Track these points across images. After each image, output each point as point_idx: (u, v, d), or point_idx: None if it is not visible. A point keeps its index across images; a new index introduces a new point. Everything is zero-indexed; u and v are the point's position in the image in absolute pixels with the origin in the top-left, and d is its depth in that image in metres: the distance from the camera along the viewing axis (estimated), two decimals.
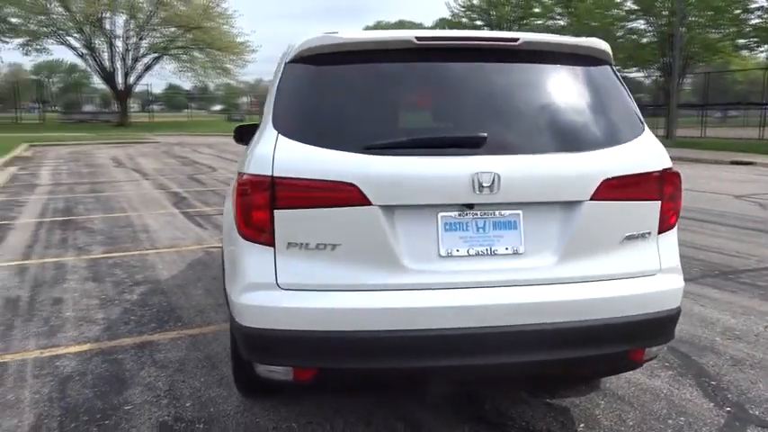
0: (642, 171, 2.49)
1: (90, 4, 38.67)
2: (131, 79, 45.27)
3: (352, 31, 2.60)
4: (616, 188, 2.43)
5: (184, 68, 45.83)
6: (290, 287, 2.29)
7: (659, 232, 2.54)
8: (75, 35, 42.20)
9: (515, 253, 2.37)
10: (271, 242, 2.30)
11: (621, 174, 2.44)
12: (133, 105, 59.73)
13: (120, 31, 42.88)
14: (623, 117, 2.62)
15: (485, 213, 2.35)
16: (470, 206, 2.33)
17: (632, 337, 2.47)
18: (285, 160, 2.29)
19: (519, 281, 2.35)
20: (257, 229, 2.31)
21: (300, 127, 2.38)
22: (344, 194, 2.25)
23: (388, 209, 2.29)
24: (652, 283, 2.50)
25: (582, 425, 2.91)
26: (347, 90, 2.50)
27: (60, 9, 40.18)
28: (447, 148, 2.34)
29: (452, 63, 2.55)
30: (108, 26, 42.26)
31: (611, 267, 2.45)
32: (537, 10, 36.06)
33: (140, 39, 43.16)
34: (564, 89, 2.62)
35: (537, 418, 2.96)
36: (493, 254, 2.35)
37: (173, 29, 42.77)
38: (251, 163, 2.35)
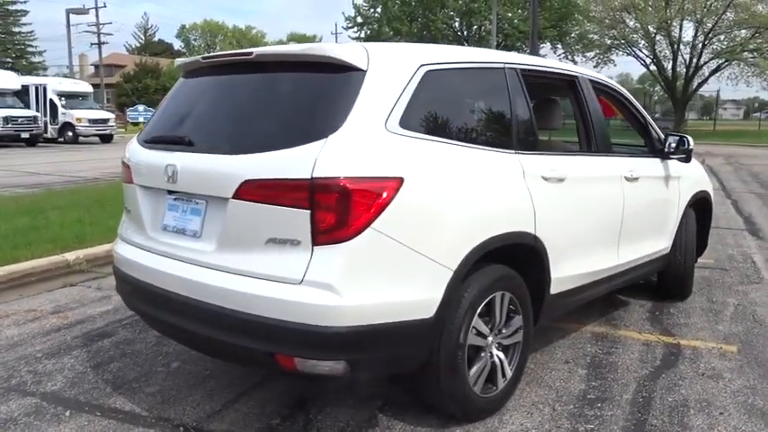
0: (282, 177, 2.54)
1: (657, 11, 39.39)
2: (693, 86, 44.03)
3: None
4: (255, 191, 2.61)
5: (747, 73, 41.59)
6: (121, 237, 3.52)
7: (317, 243, 2.50)
8: (643, 45, 43.72)
9: (195, 236, 2.94)
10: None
11: (260, 177, 2.60)
12: (689, 112, 56.65)
13: (687, 38, 42.23)
14: (303, 123, 2.68)
15: (188, 200, 3.00)
16: (170, 192, 3.04)
17: (265, 338, 2.59)
18: (127, 150, 3.51)
19: (192, 259, 2.90)
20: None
21: (146, 127, 3.56)
22: (128, 174, 3.37)
23: (143, 188, 3.26)
24: (289, 291, 2.52)
25: None
26: (168, 99, 3.50)
27: (632, 22, 42.39)
28: (165, 144, 3.14)
29: (218, 76, 3.25)
30: (675, 33, 42.14)
31: (252, 265, 2.64)
32: None
33: (704, 45, 41.40)
34: (270, 95, 2.90)
35: (335, 418, 3.14)
36: (183, 233, 3.00)
37: (742, 31, 39.41)
38: None
